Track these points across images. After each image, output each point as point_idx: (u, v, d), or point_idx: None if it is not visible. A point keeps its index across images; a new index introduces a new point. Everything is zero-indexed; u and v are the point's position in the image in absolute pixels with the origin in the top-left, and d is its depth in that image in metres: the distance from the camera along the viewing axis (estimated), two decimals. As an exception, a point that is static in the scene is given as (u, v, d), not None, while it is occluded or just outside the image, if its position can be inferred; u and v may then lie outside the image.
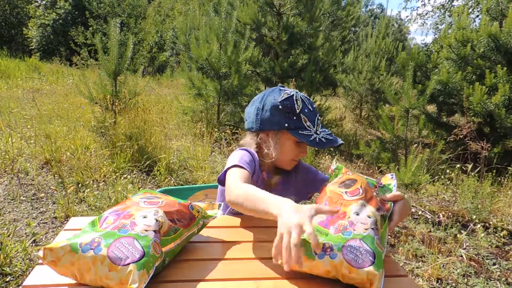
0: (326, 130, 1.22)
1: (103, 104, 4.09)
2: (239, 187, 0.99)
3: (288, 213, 0.80)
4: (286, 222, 0.78)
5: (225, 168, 1.12)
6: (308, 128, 1.18)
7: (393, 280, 0.89)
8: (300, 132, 1.17)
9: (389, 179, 1.09)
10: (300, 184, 1.34)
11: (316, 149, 4.72)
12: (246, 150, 1.22)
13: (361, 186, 0.98)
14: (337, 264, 0.80)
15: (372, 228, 0.87)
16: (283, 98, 1.18)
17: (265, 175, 1.27)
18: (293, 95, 1.19)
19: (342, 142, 1.21)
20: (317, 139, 1.17)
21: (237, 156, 1.17)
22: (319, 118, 1.23)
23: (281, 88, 1.23)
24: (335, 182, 1.04)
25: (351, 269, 0.79)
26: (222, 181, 1.13)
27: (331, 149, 5.26)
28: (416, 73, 5.17)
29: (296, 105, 1.18)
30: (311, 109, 1.21)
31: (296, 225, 0.75)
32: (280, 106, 1.17)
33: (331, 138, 1.19)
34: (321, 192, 1.04)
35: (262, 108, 1.20)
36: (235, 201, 0.97)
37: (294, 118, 1.18)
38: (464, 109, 4.46)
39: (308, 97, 1.24)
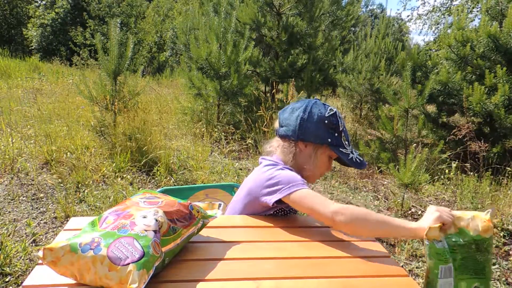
0: (355, 150, 1.27)
1: (103, 104, 4.09)
2: (344, 207, 1.03)
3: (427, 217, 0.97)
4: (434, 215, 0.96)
5: (286, 193, 1.09)
6: (346, 146, 1.23)
7: (393, 280, 0.89)
8: (340, 149, 1.21)
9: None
10: None
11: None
12: (283, 168, 1.19)
13: None
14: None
15: None
16: (330, 114, 1.22)
17: None
18: (335, 112, 1.24)
19: (366, 164, 1.28)
20: (354, 159, 1.22)
21: (288, 176, 1.14)
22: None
23: (324, 103, 1.26)
24: None
25: None
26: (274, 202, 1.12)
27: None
28: (415, 73, 5.17)
29: (340, 122, 1.22)
30: (345, 129, 1.25)
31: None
32: (326, 121, 1.20)
33: (361, 159, 1.25)
34: None
35: (307, 118, 1.21)
36: (351, 221, 1.01)
37: (336, 135, 1.22)
38: (464, 109, 4.46)
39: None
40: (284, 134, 1.25)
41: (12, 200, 2.86)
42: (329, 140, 1.20)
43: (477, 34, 4.67)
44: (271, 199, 1.11)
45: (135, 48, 12.58)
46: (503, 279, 2.35)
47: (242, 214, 1.22)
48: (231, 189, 1.67)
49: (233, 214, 1.26)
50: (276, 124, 1.30)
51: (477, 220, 0.96)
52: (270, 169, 1.18)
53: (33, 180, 3.20)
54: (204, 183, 3.17)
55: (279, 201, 1.12)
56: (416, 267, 2.42)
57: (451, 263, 0.91)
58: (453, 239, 0.94)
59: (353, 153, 1.24)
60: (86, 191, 3.00)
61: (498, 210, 3.28)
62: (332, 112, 1.22)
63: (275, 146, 1.28)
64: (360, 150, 4.43)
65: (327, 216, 1.03)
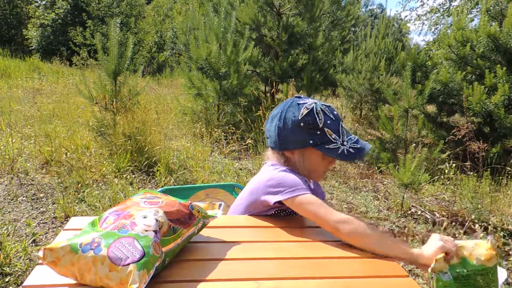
0: (352, 137, 1.17)
1: (103, 104, 4.09)
2: (349, 219, 1.02)
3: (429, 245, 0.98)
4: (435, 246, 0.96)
5: (287, 196, 1.08)
6: (333, 140, 1.14)
7: (393, 280, 0.89)
8: (326, 146, 1.13)
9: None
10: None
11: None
12: (286, 170, 1.16)
13: None
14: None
15: None
16: (304, 114, 1.13)
17: None
18: (312, 108, 1.13)
19: (370, 146, 1.17)
20: (345, 151, 1.13)
21: (291, 179, 1.12)
22: (343, 124, 1.18)
23: (299, 102, 1.16)
24: None
25: None
26: (275, 202, 1.11)
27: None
28: (415, 73, 5.17)
29: (318, 119, 1.13)
30: (333, 118, 1.15)
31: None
32: (301, 124, 1.13)
33: (358, 146, 1.15)
34: None
35: (283, 127, 1.15)
36: (354, 234, 1.01)
37: (318, 133, 1.13)
38: (464, 109, 4.46)
39: (328, 105, 1.18)
40: (271, 146, 1.23)
41: (12, 200, 2.86)
42: (311, 141, 1.13)
43: (477, 34, 4.67)
44: (272, 199, 1.11)
45: (135, 48, 12.60)
46: (503, 279, 2.35)
47: (245, 214, 1.22)
48: (232, 189, 1.67)
49: (236, 213, 1.26)
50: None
51: (479, 249, 0.95)
52: (273, 169, 1.18)
53: (33, 180, 3.20)
54: (204, 183, 3.17)
55: (280, 202, 1.11)
56: (416, 267, 2.41)
57: None
58: (457, 270, 0.92)
59: (344, 145, 1.14)
60: (86, 191, 3.00)
61: (497, 210, 3.28)
62: (307, 111, 1.13)
63: (269, 156, 1.26)
64: (360, 150, 4.42)
65: (331, 224, 1.03)
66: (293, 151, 1.18)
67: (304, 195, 1.08)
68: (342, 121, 1.19)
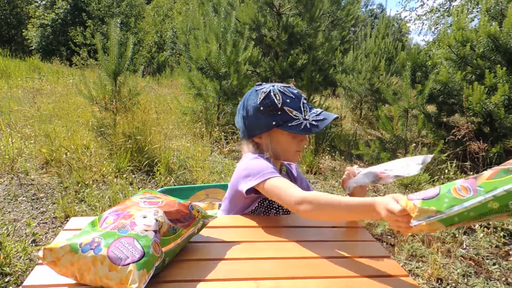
0: (315, 111, 1.19)
1: (102, 104, 4.09)
2: (308, 196, 1.00)
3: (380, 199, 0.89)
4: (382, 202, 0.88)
5: (256, 182, 1.09)
6: (295, 117, 1.16)
7: (392, 280, 0.89)
8: (289, 124, 1.16)
9: None
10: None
11: (315, 148, 4.73)
12: (257, 157, 1.19)
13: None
14: None
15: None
16: (262, 98, 1.17)
17: None
18: (269, 91, 1.18)
19: (336, 116, 1.19)
20: (308, 125, 1.15)
21: (259, 165, 1.14)
22: (305, 100, 1.21)
23: (257, 89, 1.21)
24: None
25: None
26: (248, 191, 1.12)
27: (330, 148, 5.26)
28: (415, 73, 5.17)
29: (276, 100, 1.16)
30: (293, 97, 1.18)
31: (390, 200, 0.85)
32: (261, 108, 1.17)
33: (321, 118, 1.17)
34: None
35: (246, 115, 1.20)
36: (315, 209, 0.98)
37: (279, 113, 1.16)
38: (464, 109, 4.46)
39: (287, 85, 1.21)
40: (241, 137, 1.27)
41: (12, 200, 2.86)
42: (274, 122, 1.17)
43: (477, 34, 4.67)
44: (244, 187, 1.13)
45: (135, 48, 12.59)
46: (503, 279, 2.36)
47: (230, 209, 1.24)
48: (231, 189, 1.67)
49: (223, 211, 1.28)
50: None
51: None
52: (245, 158, 1.22)
53: (33, 180, 3.20)
54: (204, 183, 3.17)
55: (255, 191, 1.13)
56: (416, 267, 2.42)
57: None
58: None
59: (306, 119, 1.16)
60: (86, 191, 3.00)
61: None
62: (264, 95, 1.17)
63: (244, 148, 1.30)
64: (360, 150, 4.43)
65: (291, 205, 1.03)
66: (260, 136, 1.22)
67: (271, 178, 1.08)
68: (305, 99, 1.21)
